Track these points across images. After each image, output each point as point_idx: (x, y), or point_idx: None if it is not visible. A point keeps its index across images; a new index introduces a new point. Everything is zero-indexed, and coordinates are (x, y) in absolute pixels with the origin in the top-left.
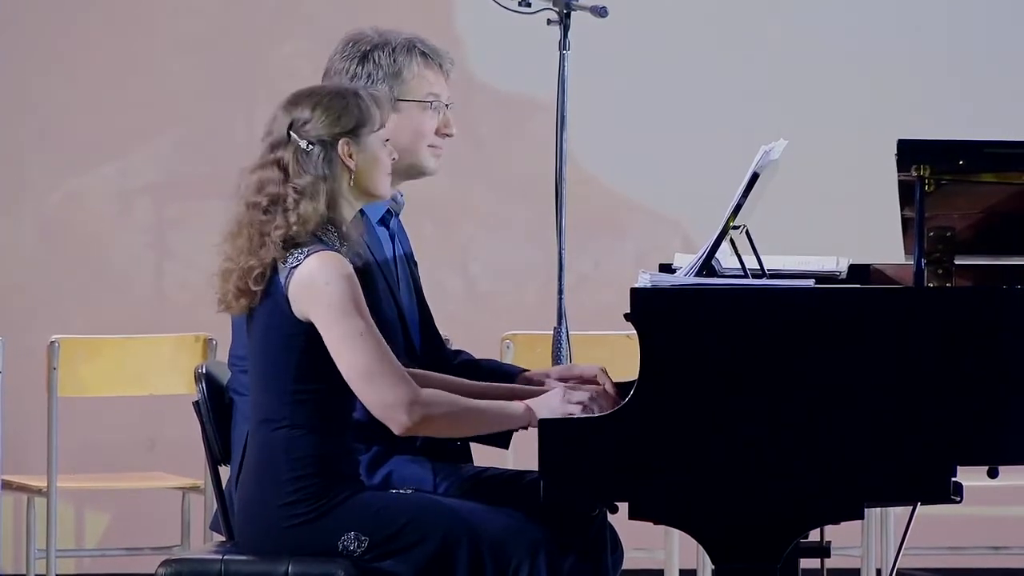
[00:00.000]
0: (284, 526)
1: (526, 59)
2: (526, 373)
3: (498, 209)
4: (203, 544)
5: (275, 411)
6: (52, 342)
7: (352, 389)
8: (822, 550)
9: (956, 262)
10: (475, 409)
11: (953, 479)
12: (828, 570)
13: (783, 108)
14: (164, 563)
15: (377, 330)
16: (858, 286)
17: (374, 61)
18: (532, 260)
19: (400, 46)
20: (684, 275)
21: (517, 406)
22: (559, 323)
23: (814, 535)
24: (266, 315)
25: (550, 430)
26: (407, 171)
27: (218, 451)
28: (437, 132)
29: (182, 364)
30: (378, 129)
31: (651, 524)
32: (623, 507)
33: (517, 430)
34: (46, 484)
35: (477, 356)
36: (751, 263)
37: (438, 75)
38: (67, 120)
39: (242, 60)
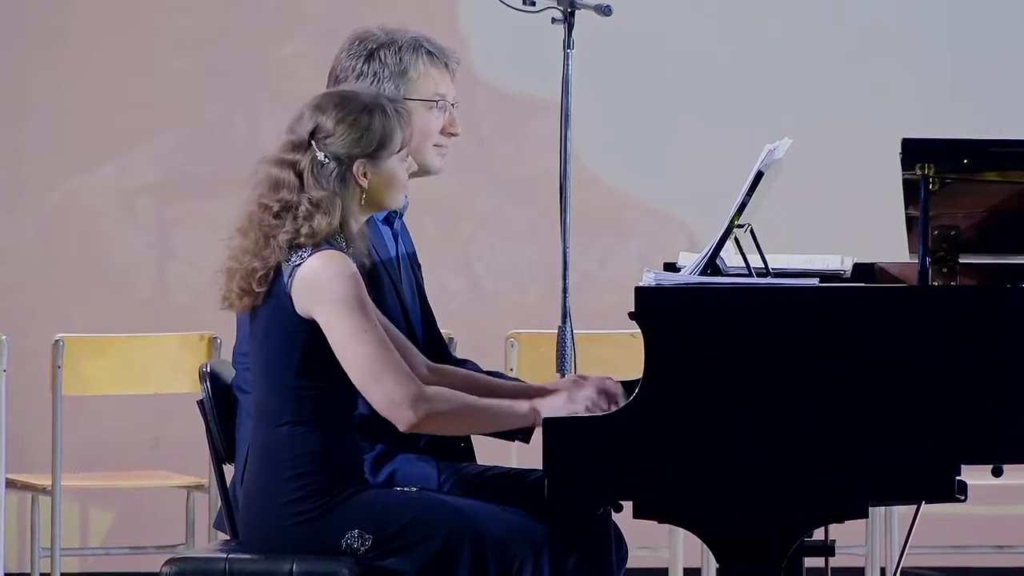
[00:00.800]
0: (288, 523)
1: (530, 58)
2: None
3: (501, 208)
4: (207, 543)
5: (278, 408)
6: (57, 341)
7: (356, 386)
8: (826, 549)
9: (960, 261)
10: (480, 407)
11: (957, 478)
12: (832, 569)
13: (788, 107)
14: (168, 562)
15: (381, 327)
16: (862, 285)
17: (380, 59)
18: (536, 259)
19: (406, 45)
20: (689, 274)
21: (522, 405)
22: (563, 322)
23: (818, 534)
24: (269, 313)
25: (554, 428)
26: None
27: (222, 450)
28: (443, 131)
29: (186, 363)
30: (399, 150)
31: (655, 523)
32: (627, 506)
33: (532, 430)
34: (50, 483)
35: (481, 356)
36: (755, 262)
37: (444, 74)
38: (68, 120)
39: (242, 60)
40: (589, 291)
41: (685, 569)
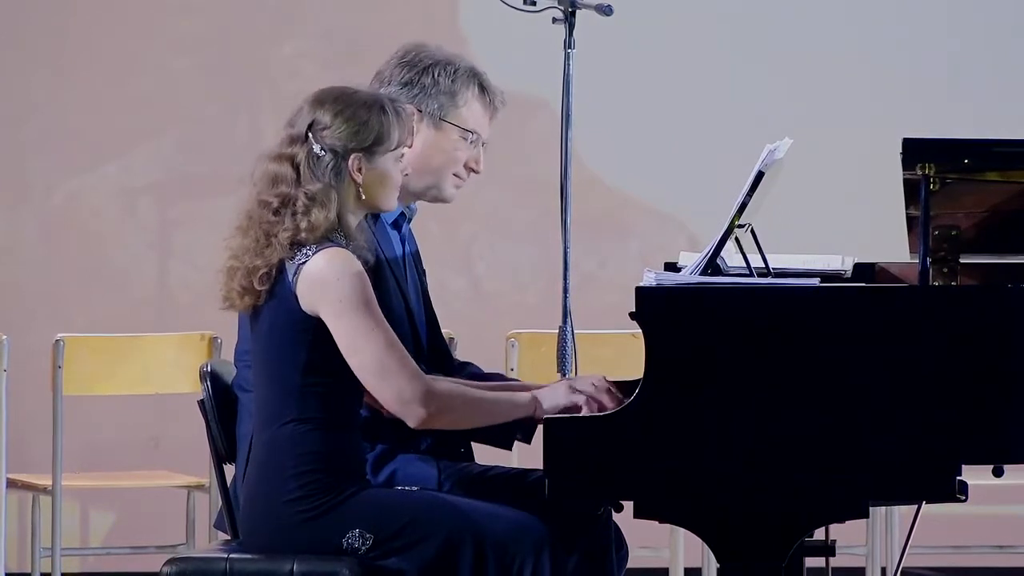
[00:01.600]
0: (289, 523)
1: (530, 58)
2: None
3: (502, 208)
4: (208, 543)
5: (281, 407)
6: (57, 340)
7: (365, 385)
8: (827, 549)
9: (961, 261)
10: (486, 399)
11: (958, 478)
12: (833, 569)
13: (788, 107)
14: (169, 562)
15: (388, 325)
16: (863, 285)
17: (434, 76)
18: (536, 259)
19: (463, 71)
20: (689, 274)
21: (524, 396)
22: (564, 322)
23: (819, 534)
24: (272, 312)
25: (555, 428)
26: (424, 191)
27: (223, 449)
28: (466, 165)
29: (187, 362)
30: (395, 148)
31: (656, 523)
32: (628, 506)
33: (533, 430)
34: (51, 483)
35: (481, 356)
36: (756, 262)
37: (486, 112)
38: (69, 120)
39: (242, 60)
40: (590, 291)
41: (685, 569)
